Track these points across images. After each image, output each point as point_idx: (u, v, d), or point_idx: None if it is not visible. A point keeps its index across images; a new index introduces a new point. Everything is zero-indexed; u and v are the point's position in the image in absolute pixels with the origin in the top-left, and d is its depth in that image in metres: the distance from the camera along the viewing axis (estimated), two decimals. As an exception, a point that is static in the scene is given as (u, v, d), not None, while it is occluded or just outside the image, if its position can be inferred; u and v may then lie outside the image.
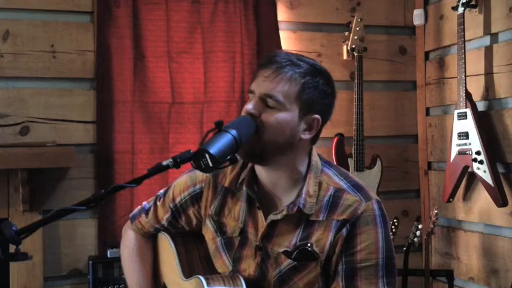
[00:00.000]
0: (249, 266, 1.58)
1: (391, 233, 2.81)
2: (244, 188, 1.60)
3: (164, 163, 1.35)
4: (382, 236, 1.49)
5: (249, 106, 1.49)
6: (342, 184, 1.55)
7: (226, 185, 1.65)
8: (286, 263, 1.53)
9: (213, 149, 1.35)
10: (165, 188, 1.80)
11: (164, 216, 1.76)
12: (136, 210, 1.84)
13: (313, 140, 1.58)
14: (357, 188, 1.54)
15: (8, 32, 2.76)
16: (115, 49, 2.87)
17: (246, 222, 1.60)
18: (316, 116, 1.53)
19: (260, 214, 1.58)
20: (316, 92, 1.51)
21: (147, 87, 2.92)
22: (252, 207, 1.60)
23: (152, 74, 2.93)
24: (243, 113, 1.51)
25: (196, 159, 1.36)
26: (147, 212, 1.79)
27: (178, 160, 1.35)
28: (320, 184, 1.55)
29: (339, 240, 1.49)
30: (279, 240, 1.54)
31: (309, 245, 1.50)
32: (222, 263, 1.64)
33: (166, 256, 1.78)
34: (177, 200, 1.73)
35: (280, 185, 1.57)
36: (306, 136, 1.53)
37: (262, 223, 1.56)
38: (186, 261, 1.71)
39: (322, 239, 1.50)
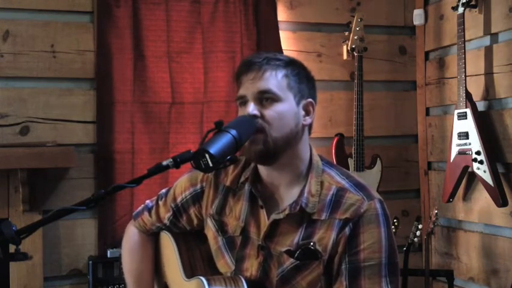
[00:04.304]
0: (252, 266, 1.58)
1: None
2: (246, 186, 1.61)
3: (164, 163, 1.35)
4: (385, 235, 1.49)
5: (249, 109, 1.50)
6: (344, 183, 1.55)
7: (227, 184, 1.66)
8: (289, 262, 1.53)
9: (213, 149, 1.35)
10: (167, 188, 1.81)
11: (166, 216, 1.77)
12: (139, 208, 1.86)
13: (310, 128, 1.61)
14: (360, 187, 1.55)
15: (8, 32, 2.76)
16: (115, 49, 2.87)
17: (248, 221, 1.60)
18: (309, 99, 1.58)
19: (263, 213, 1.58)
20: (300, 78, 1.57)
21: (147, 87, 2.92)
22: (254, 206, 1.60)
23: (152, 74, 2.93)
24: None
25: (197, 159, 1.37)
26: (149, 210, 1.81)
27: (178, 160, 1.35)
28: (322, 183, 1.55)
29: (342, 239, 1.49)
30: (282, 240, 1.54)
31: (311, 244, 1.50)
32: (225, 262, 1.64)
33: (168, 256, 1.79)
34: (178, 199, 1.74)
35: (282, 184, 1.58)
36: (307, 121, 1.57)
37: (265, 222, 1.57)
38: (187, 261, 1.72)
39: (324, 238, 1.50)
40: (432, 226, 2.90)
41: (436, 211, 2.92)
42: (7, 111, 2.75)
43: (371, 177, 3.09)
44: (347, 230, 1.49)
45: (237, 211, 1.63)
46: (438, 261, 3.26)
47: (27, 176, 2.60)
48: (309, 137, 1.61)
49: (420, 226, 2.94)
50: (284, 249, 1.53)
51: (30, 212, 2.67)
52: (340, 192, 1.53)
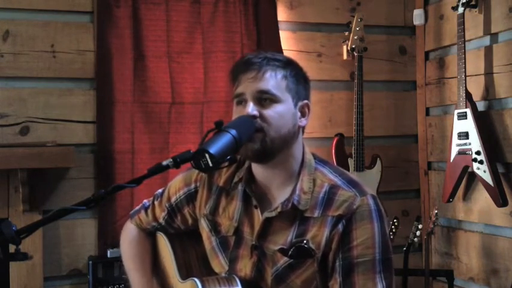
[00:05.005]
0: (245, 266, 1.58)
1: (390, 233, 2.83)
2: (240, 186, 1.61)
3: (164, 163, 1.35)
4: (379, 231, 1.49)
5: (249, 109, 1.50)
6: (337, 181, 1.55)
7: (221, 184, 1.66)
8: (283, 260, 1.53)
9: (213, 149, 1.35)
10: (163, 188, 1.82)
11: (161, 215, 1.78)
12: (137, 207, 1.88)
13: (303, 129, 1.62)
14: (352, 183, 1.55)
15: (8, 32, 2.76)
16: (115, 49, 2.87)
17: (241, 222, 1.60)
18: (305, 101, 1.59)
19: (257, 212, 1.58)
20: (298, 79, 1.58)
21: (147, 87, 2.92)
22: (248, 206, 1.60)
23: (152, 74, 2.93)
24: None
25: (196, 159, 1.37)
26: (146, 209, 1.82)
27: (178, 160, 1.35)
28: (314, 181, 1.55)
29: (335, 236, 1.49)
30: (275, 238, 1.55)
31: (304, 241, 1.50)
32: (218, 262, 1.64)
33: (164, 257, 1.79)
34: (173, 199, 1.75)
35: (275, 183, 1.58)
36: (303, 123, 1.58)
37: (259, 222, 1.57)
38: (183, 262, 1.72)
39: (318, 235, 1.50)
40: (432, 226, 2.90)
41: (436, 211, 2.92)
42: (7, 111, 2.76)
43: (371, 177, 3.09)
44: (340, 226, 1.49)
45: (230, 211, 1.63)
46: (438, 261, 3.26)
47: (27, 176, 2.61)
48: (302, 137, 1.62)
49: (420, 226, 2.94)
50: (277, 247, 1.53)
51: (30, 212, 2.67)
52: (333, 189, 1.53)
